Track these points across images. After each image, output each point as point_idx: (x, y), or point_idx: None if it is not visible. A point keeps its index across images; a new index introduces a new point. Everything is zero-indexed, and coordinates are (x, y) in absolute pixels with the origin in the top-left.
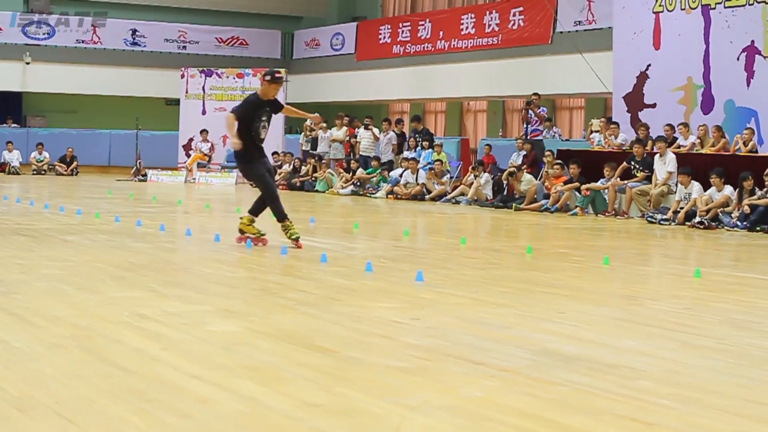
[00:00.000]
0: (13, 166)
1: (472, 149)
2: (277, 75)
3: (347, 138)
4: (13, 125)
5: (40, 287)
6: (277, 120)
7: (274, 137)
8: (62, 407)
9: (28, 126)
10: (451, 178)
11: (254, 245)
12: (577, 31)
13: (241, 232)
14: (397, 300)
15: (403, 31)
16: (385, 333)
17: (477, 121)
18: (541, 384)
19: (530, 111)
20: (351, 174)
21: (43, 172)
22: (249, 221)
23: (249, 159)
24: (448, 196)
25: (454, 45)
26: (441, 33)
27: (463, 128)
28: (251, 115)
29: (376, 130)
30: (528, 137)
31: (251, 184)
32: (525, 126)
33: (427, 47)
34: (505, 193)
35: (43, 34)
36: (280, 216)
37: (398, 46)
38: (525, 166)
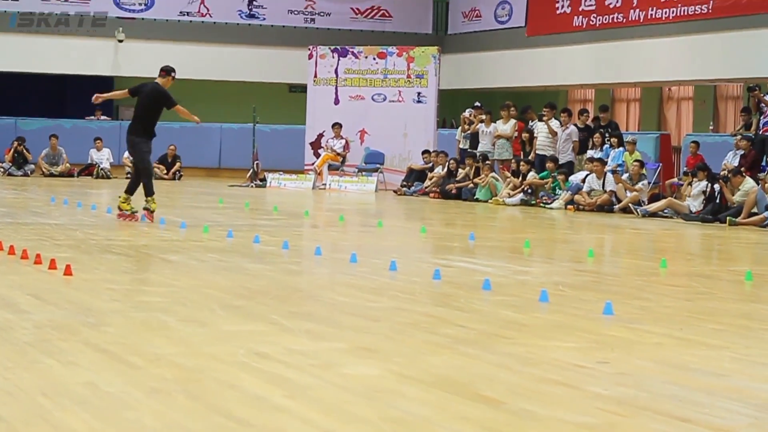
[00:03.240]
0: (102, 168)
1: (674, 147)
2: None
3: (516, 133)
4: (102, 118)
5: (136, 318)
6: (428, 111)
7: (424, 132)
8: None
9: (121, 119)
10: (649, 183)
11: (124, 220)
12: None
13: (119, 209)
14: (580, 338)
15: None
16: (564, 380)
17: (680, 112)
18: None
19: (760, 99)
20: (520, 178)
21: None
22: (125, 199)
23: (148, 137)
24: (646, 208)
25: (651, 15)
26: (634, 0)
27: (662, 121)
28: None
29: (554, 123)
30: (760, 131)
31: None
32: (758, 117)
33: (617, 18)
34: (717, 202)
35: (140, 4)
36: (149, 192)
37: (580, 17)
38: (743, 169)
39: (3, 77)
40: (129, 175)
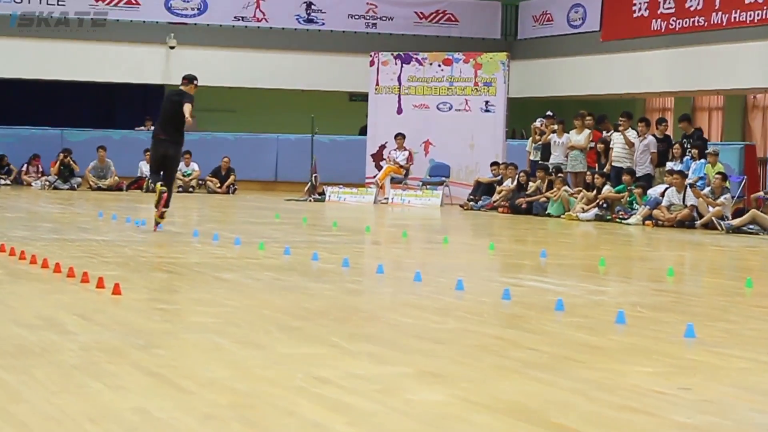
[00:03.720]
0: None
1: (760, 159)
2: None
3: (590, 144)
4: (152, 128)
5: (188, 340)
6: (497, 121)
7: (492, 143)
8: None
9: None
10: (732, 197)
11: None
12: None
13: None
14: (660, 362)
15: (665, 1)
16: (644, 407)
17: (766, 121)
18: None
19: None
20: (595, 192)
21: (190, 189)
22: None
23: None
24: (730, 222)
25: (734, 18)
26: (717, 2)
27: (747, 131)
28: None
29: (631, 133)
30: None
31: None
32: None
33: (698, 22)
34: None
35: (192, 9)
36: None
37: (658, 20)
38: None
39: (49, 86)
40: (180, 190)
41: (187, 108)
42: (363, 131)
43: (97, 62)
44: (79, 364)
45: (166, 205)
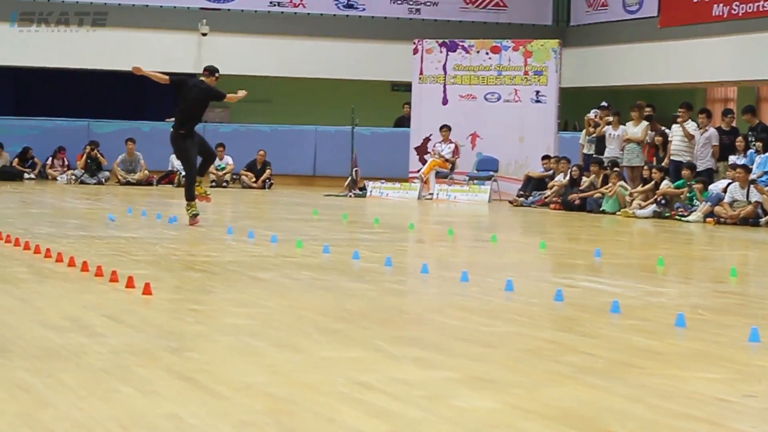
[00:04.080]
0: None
1: None
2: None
3: (648, 137)
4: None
5: (223, 343)
6: (548, 112)
7: (543, 135)
8: None
9: (204, 121)
10: None
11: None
12: None
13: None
14: (723, 368)
15: None
16: (706, 415)
17: None
18: None
19: None
20: (653, 187)
21: (224, 184)
22: (198, 183)
23: (192, 137)
24: None
25: None
26: None
27: None
28: None
29: (691, 126)
30: None
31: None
32: None
33: (763, 6)
34: None
35: None
36: (192, 196)
37: (720, 5)
38: None
39: (75, 75)
40: (213, 185)
41: (232, 95)
42: (398, 123)
43: (125, 50)
44: (109, 367)
45: (189, 198)
